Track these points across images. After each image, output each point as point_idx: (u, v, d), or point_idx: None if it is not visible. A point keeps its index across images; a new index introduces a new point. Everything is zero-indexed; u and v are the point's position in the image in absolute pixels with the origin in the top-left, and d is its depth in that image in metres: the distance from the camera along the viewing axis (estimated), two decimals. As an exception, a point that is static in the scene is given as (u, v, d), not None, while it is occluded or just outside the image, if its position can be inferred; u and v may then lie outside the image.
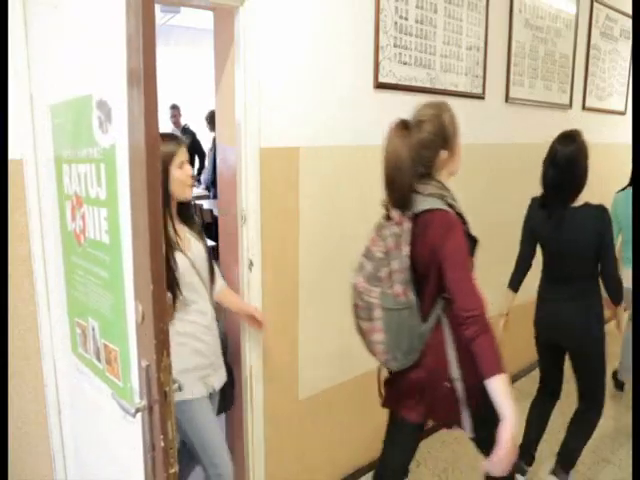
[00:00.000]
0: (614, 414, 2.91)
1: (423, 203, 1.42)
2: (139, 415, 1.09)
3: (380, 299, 1.43)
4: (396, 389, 1.57)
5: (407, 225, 1.41)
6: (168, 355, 1.01)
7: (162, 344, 0.99)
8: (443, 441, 2.72)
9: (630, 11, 3.95)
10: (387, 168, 1.44)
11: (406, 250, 1.41)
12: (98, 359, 1.32)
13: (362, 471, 2.44)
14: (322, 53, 2.00)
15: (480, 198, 2.91)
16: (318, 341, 2.18)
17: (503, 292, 2.37)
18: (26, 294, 1.49)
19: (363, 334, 1.51)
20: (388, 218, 1.47)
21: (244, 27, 1.77)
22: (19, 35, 1.41)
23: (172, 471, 1.03)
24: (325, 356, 2.21)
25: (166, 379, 1.01)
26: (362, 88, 2.17)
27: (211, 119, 5.55)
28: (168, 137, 1.67)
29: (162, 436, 1.02)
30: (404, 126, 1.45)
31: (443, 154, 1.48)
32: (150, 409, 1.03)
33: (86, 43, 1.21)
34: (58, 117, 1.37)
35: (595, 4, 3.62)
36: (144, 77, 0.95)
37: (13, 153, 1.43)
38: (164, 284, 1.00)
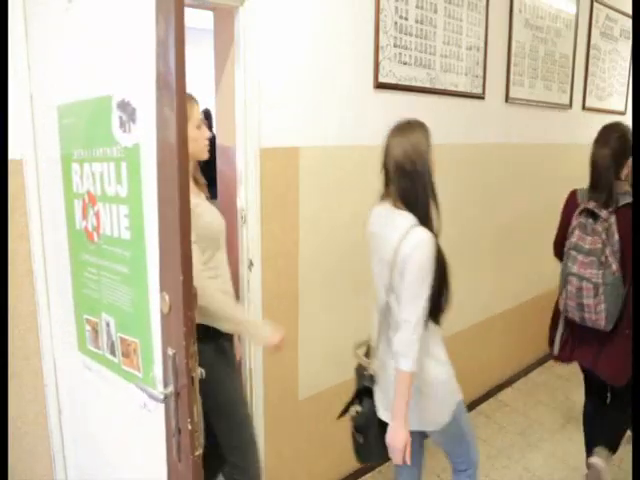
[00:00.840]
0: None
1: (622, 199, 1.91)
2: (159, 404, 1.14)
3: (602, 278, 1.87)
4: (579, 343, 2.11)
5: (613, 218, 1.89)
6: (194, 342, 1.05)
7: (190, 332, 1.04)
8: (443, 441, 2.72)
9: (630, 11, 3.95)
10: (594, 174, 1.99)
11: (617, 237, 1.88)
12: (113, 353, 1.34)
13: (362, 471, 2.44)
14: (322, 53, 2.00)
15: (480, 198, 2.91)
16: (318, 341, 2.18)
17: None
18: (26, 294, 1.49)
19: (583, 310, 1.98)
20: (591, 217, 1.94)
21: (244, 27, 1.77)
22: (19, 35, 1.41)
23: (197, 453, 1.08)
24: (325, 356, 2.21)
25: (193, 365, 1.06)
26: (362, 88, 2.17)
27: (203, 117, 5.52)
28: None
29: (189, 419, 1.07)
30: (604, 141, 1.98)
31: (629, 160, 1.94)
32: (177, 395, 1.08)
33: (104, 46, 1.23)
34: (67, 117, 1.37)
35: (595, 4, 3.62)
36: (176, 80, 0.98)
37: (13, 153, 1.43)
38: (192, 274, 1.05)
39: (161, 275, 1.11)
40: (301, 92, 1.96)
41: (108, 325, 1.34)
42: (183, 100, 1.00)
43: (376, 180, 2.29)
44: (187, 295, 1.03)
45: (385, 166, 1.55)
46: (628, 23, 4.06)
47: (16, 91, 1.42)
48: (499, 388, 3.22)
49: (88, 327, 1.43)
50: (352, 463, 2.41)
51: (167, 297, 1.07)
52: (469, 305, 2.90)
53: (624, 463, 2.53)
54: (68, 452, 1.62)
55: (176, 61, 0.98)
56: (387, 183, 1.56)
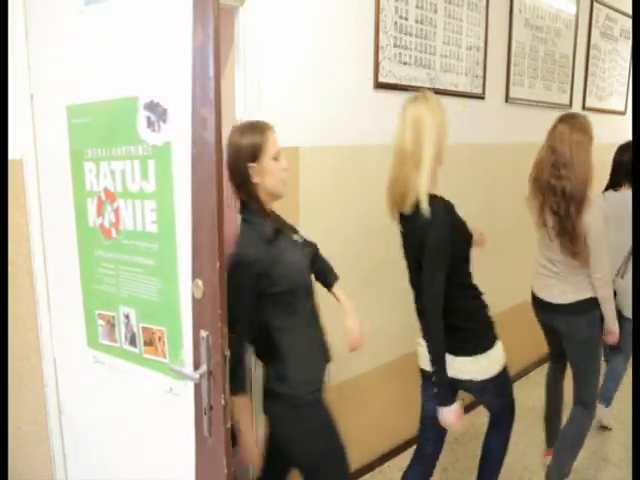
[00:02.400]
0: (614, 413, 2.91)
1: None
2: (187, 387, 1.25)
3: None
4: None
5: None
6: (226, 324, 1.15)
7: (224, 314, 1.14)
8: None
9: (630, 11, 3.95)
10: None
11: None
12: (133, 344, 1.39)
13: (362, 471, 2.45)
14: (322, 53, 2.00)
15: (480, 198, 2.91)
16: (318, 341, 2.17)
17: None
18: (26, 294, 1.50)
19: None
20: None
21: (244, 27, 1.77)
22: (19, 35, 1.41)
23: (228, 426, 1.18)
24: (325, 356, 2.20)
25: (225, 345, 1.16)
26: (362, 88, 2.17)
27: None
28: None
29: (223, 395, 1.16)
30: None
31: None
32: (210, 373, 1.17)
33: (129, 49, 1.28)
34: (79, 117, 1.40)
35: (595, 4, 3.62)
36: (214, 84, 1.07)
37: (13, 153, 1.43)
38: (224, 261, 1.14)
39: (193, 263, 1.18)
40: (301, 92, 1.96)
41: (127, 317, 1.39)
42: (219, 102, 1.08)
43: (375, 179, 2.29)
44: (222, 280, 1.13)
45: (615, 170, 2.59)
46: (628, 23, 4.06)
47: (16, 91, 1.42)
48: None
49: (101, 322, 1.46)
50: (352, 463, 2.42)
51: (200, 283, 1.15)
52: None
53: (624, 463, 2.53)
54: (68, 452, 1.62)
55: (214, 67, 1.07)
56: (616, 180, 2.58)
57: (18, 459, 1.54)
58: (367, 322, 2.35)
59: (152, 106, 1.24)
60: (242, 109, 1.82)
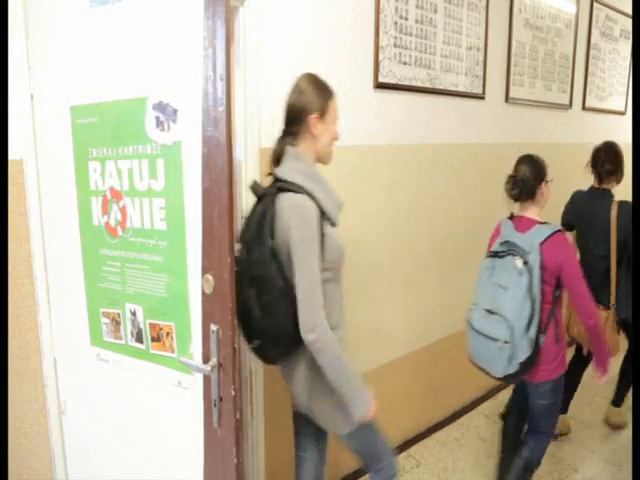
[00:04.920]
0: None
1: None
2: (196, 380, 1.28)
3: None
4: None
5: None
6: (235, 316, 1.18)
7: (234, 307, 1.17)
8: (443, 441, 2.72)
9: (630, 11, 3.95)
10: None
11: None
12: (139, 340, 1.41)
13: (361, 472, 2.44)
14: (322, 53, 2.00)
15: (480, 197, 2.91)
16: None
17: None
18: (26, 294, 1.50)
19: None
20: None
21: (244, 27, 1.77)
22: (19, 36, 1.41)
23: (238, 417, 1.20)
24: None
25: (235, 337, 1.18)
26: (362, 88, 2.17)
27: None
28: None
29: (233, 386, 1.18)
30: None
31: None
32: (220, 365, 1.19)
33: (138, 50, 1.30)
34: (84, 117, 1.41)
35: (595, 4, 3.62)
36: (226, 83, 1.10)
37: (13, 153, 1.43)
38: (234, 256, 1.18)
39: (203, 259, 1.20)
40: (301, 92, 1.96)
41: (134, 314, 1.41)
42: (230, 103, 1.11)
43: (375, 179, 2.30)
44: (232, 274, 1.16)
45: None
46: (628, 23, 4.06)
47: (16, 91, 1.42)
48: (499, 389, 3.23)
49: (106, 320, 1.47)
50: (351, 464, 2.42)
51: (211, 278, 1.18)
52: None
53: (624, 463, 2.53)
54: (68, 452, 1.63)
55: (226, 68, 1.08)
56: None
57: (18, 459, 1.54)
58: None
59: (161, 106, 1.27)
60: (242, 109, 1.82)
